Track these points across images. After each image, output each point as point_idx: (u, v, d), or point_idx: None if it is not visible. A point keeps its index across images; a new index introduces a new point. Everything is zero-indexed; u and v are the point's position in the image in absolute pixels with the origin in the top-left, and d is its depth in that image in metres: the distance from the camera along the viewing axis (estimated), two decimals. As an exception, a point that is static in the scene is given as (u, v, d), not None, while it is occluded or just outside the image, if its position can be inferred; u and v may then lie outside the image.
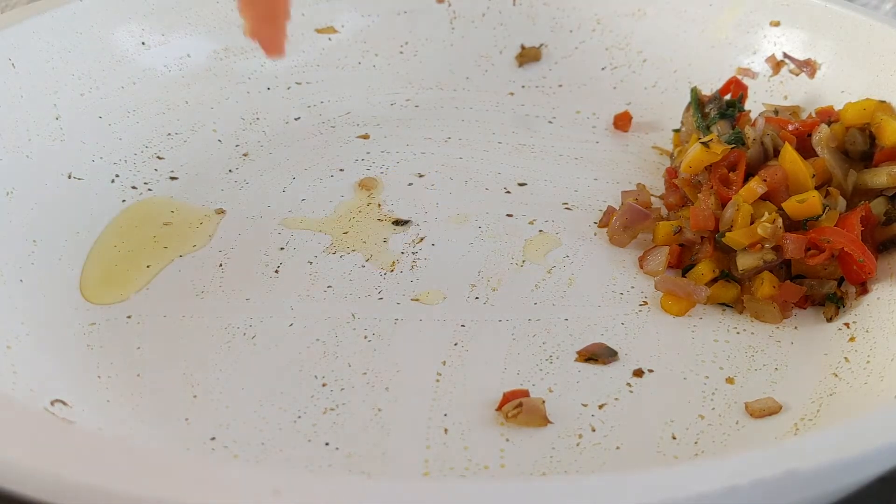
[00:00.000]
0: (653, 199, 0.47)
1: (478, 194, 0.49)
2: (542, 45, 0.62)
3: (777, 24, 0.55)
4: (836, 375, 0.36)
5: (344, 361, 0.36)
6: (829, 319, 0.40)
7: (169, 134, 0.51)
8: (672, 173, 0.46)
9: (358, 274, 0.42)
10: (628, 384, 0.36)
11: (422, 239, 0.44)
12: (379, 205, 0.47)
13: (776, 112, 0.48)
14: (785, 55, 0.53)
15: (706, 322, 0.40)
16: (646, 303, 0.41)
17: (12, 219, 0.40)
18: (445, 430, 0.33)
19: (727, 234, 0.40)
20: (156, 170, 0.49)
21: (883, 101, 0.43)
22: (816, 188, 0.41)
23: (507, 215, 0.47)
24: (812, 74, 0.52)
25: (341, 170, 0.50)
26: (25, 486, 0.22)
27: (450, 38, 0.62)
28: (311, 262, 0.42)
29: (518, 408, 0.34)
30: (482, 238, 0.45)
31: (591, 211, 0.47)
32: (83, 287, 0.40)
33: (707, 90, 0.52)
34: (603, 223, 0.46)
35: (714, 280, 0.41)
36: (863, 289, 0.40)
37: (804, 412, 0.35)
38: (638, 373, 0.37)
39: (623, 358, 0.37)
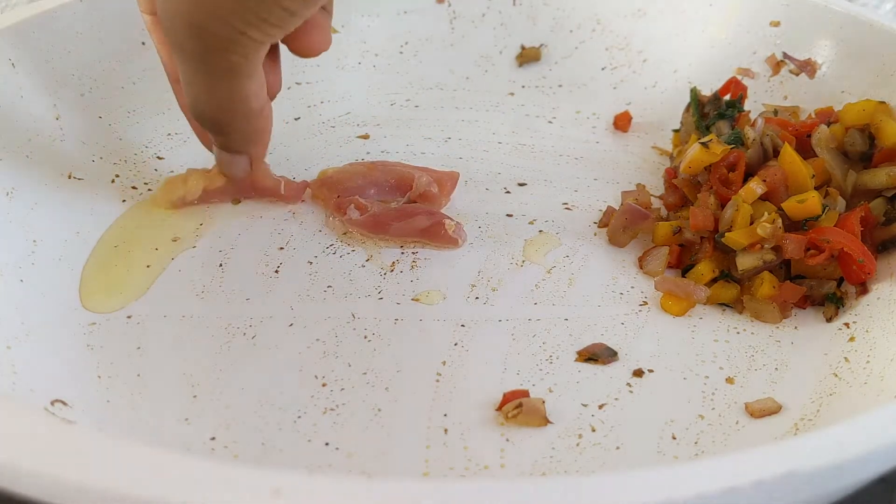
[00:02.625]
0: (653, 199, 0.47)
1: (478, 194, 0.49)
2: (542, 45, 0.62)
3: (777, 24, 0.55)
4: (836, 375, 0.36)
5: (344, 361, 0.36)
6: (829, 319, 0.40)
7: (169, 134, 0.51)
8: (672, 173, 0.46)
9: (358, 274, 0.42)
10: (628, 384, 0.36)
11: (422, 239, 0.44)
12: (379, 205, 0.47)
13: (776, 112, 0.48)
14: (785, 55, 0.53)
15: (706, 322, 0.40)
16: (646, 303, 0.41)
17: (12, 219, 0.40)
18: (445, 430, 0.33)
19: (727, 234, 0.40)
20: (156, 170, 0.49)
21: (882, 102, 0.43)
22: (816, 188, 0.41)
23: (507, 215, 0.47)
24: (812, 74, 0.52)
25: (341, 170, 0.50)
26: (25, 486, 0.22)
27: (450, 38, 0.62)
28: (311, 262, 0.42)
29: (518, 408, 0.34)
30: (482, 238, 0.45)
31: (591, 211, 0.47)
32: (83, 292, 0.40)
33: (707, 90, 0.52)
34: (603, 223, 0.46)
35: (714, 280, 0.41)
36: (863, 289, 0.40)
37: (804, 412, 0.35)
38: (638, 373, 0.37)
39: (623, 358, 0.37)
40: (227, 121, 0.38)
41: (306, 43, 0.38)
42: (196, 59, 0.35)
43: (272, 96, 0.42)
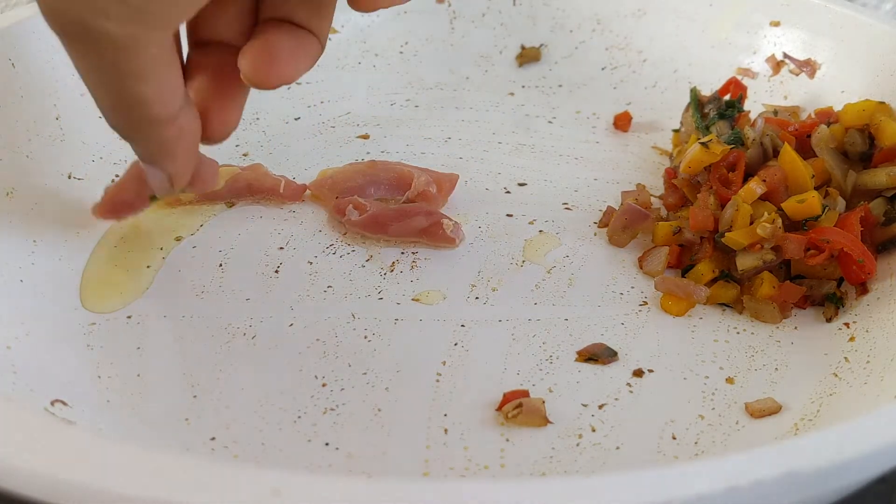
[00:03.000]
0: (653, 199, 0.47)
1: (478, 194, 0.49)
2: (542, 45, 0.62)
3: (777, 24, 0.55)
4: (836, 375, 0.36)
5: (344, 361, 0.36)
6: (829, 319, 0.40)
7: (169, 134, 0.51)
8: (671, 173, 0.46)
9: (358, 274, 0.42)
10: (628, 384, 0.36)
11: (422, 239, 0.44)
12: (379, 205, 0.47)
13: (776, 112, 0.48)
14: (785, 55, 0.53)
15: (706, 322, 0.40)
16: (646, 303, 0.41)
17: (12, 219, 0.40)
18: (445, 430, 0.33)
19: (727, 234, 0.40)
20: (156, 170, 0.49)
21: (882, 102, 0.43)
22: (816, 189, 0.41)
23: (507, 215, 0.47)
24: (812, 74, 0.52)
25: (341, 170, 0.50)
26: (25, 486, 0.22)
27: (450, 38, 0.62)
28: (311, 262, 0.42)
29: (518, 408, 0.34)
30: (482, 238, 0.45)
31: (591, 211, 0.47)
32: (83, 292, 0.39)
33: (707, 90, 0.52)
34: (603, 223, 0.46)
35: (714, 280, 0.41)
36: (863, 289, 0.40)
37: (804, 412, 0.35)
38: (638, 373, 0.37)
39: (623, 358, 0.37)
40: (124, 126, 0.32)
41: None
42: (73, 50, 0.29)
43: (222, 130, 0.35)
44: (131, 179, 0.40)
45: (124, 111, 0.31)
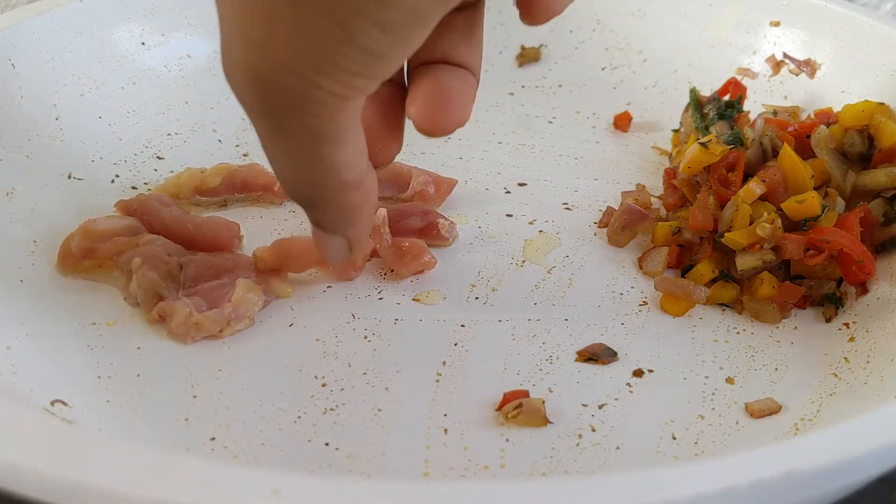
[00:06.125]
0: (652, 199, 0.47)
1: (478, 194, 0.49)
2: (542, 45, 0.62)
3: (777, 24, 0.55)
4: (836, 375, 0.36)
5: (344, 361, 0.37)
6: (828, 320, 0.40)
7: (169, 134, 0.51)
8: (671, 174, 0.46)
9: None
10: (628, 384, 0.36)
11: (422, 239, 0.44)
12: (379, 205, 0.47)
13: (775, 113, 0.48)
14: (785, 55, 0.53)
15: (706, 322, 0.40)
16: (646, 303, 0.41)
17: (12, 219, 0.40)
18: (445, 430, 0.33)
19: (726, 234, 0.40)
20: (156, 170, 0.49)
21: (881, 103, 0.43)
22: (815, 189, 0.41)
23: (507, 215, 0.47)
24: (812, 74, 0.52)
25: (341, 170, 0.50)
26: (25, 486, 0.22)
27: (450, 39, 0.62)
28: (310, 262, 0.42)
29: (518, 408, 0.34)
30: (482, 238, 0.45)
31: (591, 211, 0.47)
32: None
33: (707, 90, 0.52)
34: (603, 223, 0.46)
35: (713, 280, 0.41)
36: (862, 289, 0.40)
37: (804, 412, 0.35)
38: (638, 373, 0.37)
39: (623, 358, 0.37)
40: (312, 195, 0.30)
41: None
42: (264, 119, 0.27)
43: (385, 162, 0.33)
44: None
45: (315, 179, 0.29)
